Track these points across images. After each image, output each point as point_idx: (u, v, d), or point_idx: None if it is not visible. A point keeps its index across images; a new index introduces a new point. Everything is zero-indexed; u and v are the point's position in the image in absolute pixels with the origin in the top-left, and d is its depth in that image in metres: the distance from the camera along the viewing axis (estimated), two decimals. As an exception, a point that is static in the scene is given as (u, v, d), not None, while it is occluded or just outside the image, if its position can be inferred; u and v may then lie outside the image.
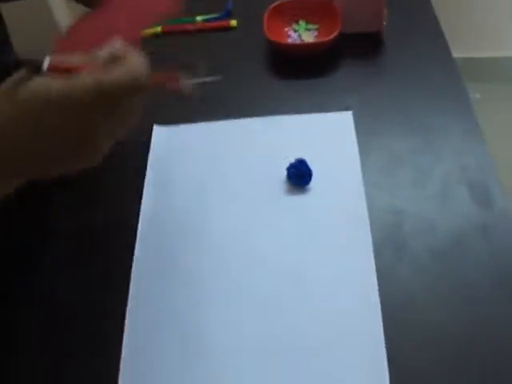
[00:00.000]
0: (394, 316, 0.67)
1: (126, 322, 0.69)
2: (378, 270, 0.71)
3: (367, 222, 0.75)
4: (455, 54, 0.94)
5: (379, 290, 0.69)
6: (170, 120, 0.91)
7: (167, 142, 0.88)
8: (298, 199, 0.79)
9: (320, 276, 0.71)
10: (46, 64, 0.45)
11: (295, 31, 1.00)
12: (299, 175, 0.79)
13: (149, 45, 1.04)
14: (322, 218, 0.76)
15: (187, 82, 0.57)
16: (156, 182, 0.82)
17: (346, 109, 0.88)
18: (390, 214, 0.76)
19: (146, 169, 0.84)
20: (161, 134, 0.89)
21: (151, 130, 0.90)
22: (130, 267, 0.73)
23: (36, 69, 0.44)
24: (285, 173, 0.80)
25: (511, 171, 1.10)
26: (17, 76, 0.45)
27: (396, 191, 0.78)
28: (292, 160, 0.79)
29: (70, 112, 0.45)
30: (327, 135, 0.85)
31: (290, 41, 0.99)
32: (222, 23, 1.07)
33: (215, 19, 1.08)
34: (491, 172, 0.78)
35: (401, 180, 0.79)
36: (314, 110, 0.89)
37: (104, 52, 0.50)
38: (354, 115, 0.87)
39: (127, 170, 0.85)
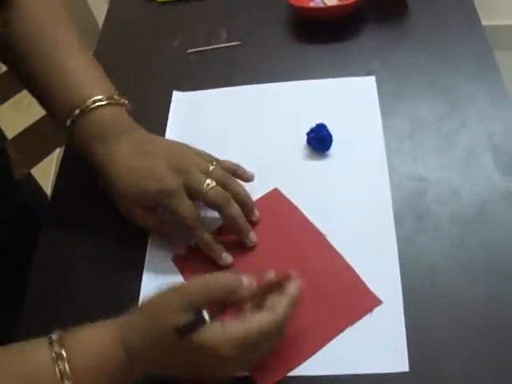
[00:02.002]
0: (413, 284, 0.66)
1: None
2: (398, 239, 0.69)
3: (388, 189, 0.73)
4: (484, 22, 0.91)
5: (400, 259, 0.68)
6: (189, 87, 0.89)
7: (187, 108, 0.87)
8: (319, 164, 0.77)
9: (339, 244, 0.70)
10: (207, 317, 0.53)
11: (318, -6, 0.98)
12: (319, 140, 0.77)
13: (168, 10, 1.03)
14: (342, 184, 0.75)
15: None
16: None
17: (369, 73, 0.85)
18: (412, 181, 0.74)
19: (164, 135, 0.83)
20: (180, 100, 0.88)
21: (171, 96, 0.89)
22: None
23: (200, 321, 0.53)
24: (305, 137, 0.78)
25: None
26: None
27: (419, 158, 0.76)
28: (313, 125, 0.77)
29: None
30: (349, 100, 0.83)
31: (312, 4, 0.96)
32: (244, -13, 1.05)
33: (236, -16, 1.06)
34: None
35: (424, 146, 0.77)
36: (337, 75, 0.86)
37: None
38: (377, 79, 0.84)
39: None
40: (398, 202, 0.72)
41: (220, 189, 0.66)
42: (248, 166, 0.75)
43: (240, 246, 0.70)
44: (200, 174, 0.66)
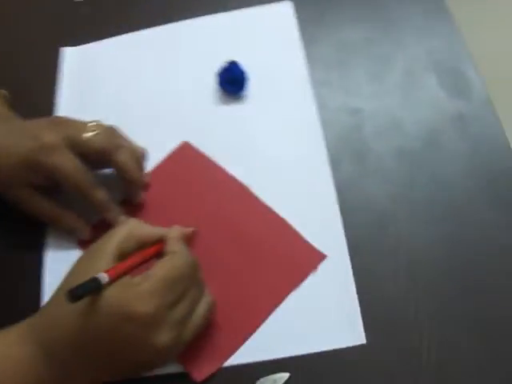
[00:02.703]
0: (360, 236, 0.55)
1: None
2: (337, 184, 0.58)
3: (319, 127, 0.62)
4: None
5: (341, 207, 0.57)
6: (80, 41, 0.74)
7: (79, 65, 0.72)
8: (234, 109, 0.65)
9: (268, 197, 0.58)
10: (104, 279, 0.44)
11: None
12: (232, 80, 0.64)
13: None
14: (263, 129, 0.63)
15: None
16: (70, 110, 0.67)
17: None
18: (346, 114, 0.62)
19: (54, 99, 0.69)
20: (71, 57, 0.73)
21: (57, 53, 0.73)
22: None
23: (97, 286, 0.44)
24: (216, 80, 0.65)
25: (488, 61, 0.96)
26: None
27: (351, 88, 0.64)
28: (222, 64, 0.64)
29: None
30: (264, 31, 0.70)
31: None
32: None
33: None
34: (462, 53, 0.65)
35: (356, 74, 0.65)
36: (245, 5, 0.73)
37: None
38: (295, 4, 0.71)
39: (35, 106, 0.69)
40: (332, 140, 0.61)
41: (106, 135, 0.57)
42: (154, 121, 0.63)
43: (150, 212, 0.59)
44: (81, 123, 0.57)
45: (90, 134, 0.56)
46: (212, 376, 0.49)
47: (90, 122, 0.57)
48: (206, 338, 0.51)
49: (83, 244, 0.58)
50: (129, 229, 0.49)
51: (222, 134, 0.63)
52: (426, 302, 0.51)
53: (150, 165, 0.61)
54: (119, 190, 0.59)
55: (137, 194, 0.59)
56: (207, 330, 0.51)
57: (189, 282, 0.47)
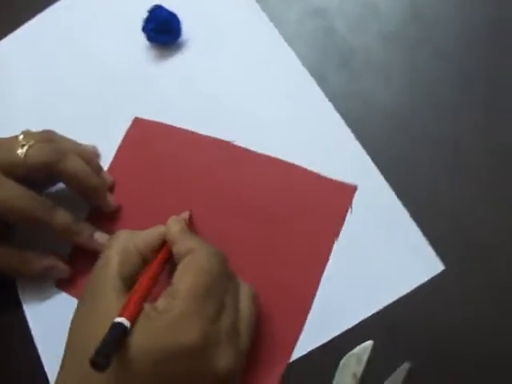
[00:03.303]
0: (380, 144, 0.45)
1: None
2: (332, 98, 0.47)
3: (285, 45, 0.50)
4: None
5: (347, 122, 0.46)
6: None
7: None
8: (170, 65, 0.52)
9: (261, 147, 0.47)
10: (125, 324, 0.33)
11: None
12: (163, 28, 0.52)
13: None
14: (223, 74, 0.51)
15: None
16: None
17: None
18: (312, 16, 0.51)
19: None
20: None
21: None
22: None
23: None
24: (144, 36, 0.53)
25: None
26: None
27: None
28: (145, 15, 0.52)
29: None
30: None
31: None
32: None
33: None
34: None
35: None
36: None
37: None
38: None
39: None
40: (307, 52, 0.50)
41: (44, 143, 0.44)
42: (90, 109, 0.52)
43: (132, 215, 0.47)
44: (7, 140, 0.45)
45: (24, 149, 0.43)
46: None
47: (18, 135, 0.44)
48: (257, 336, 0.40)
49: (64, 284, 0.46)
50: (122, 245, 0.38)
51: (174, 95, 0.51)
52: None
53: (107, 160, 0.49)
54: (80, 204, 0.47)
55: (104, 200, 0.47)
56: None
57: (222, 280, 0.36)
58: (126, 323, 0.32)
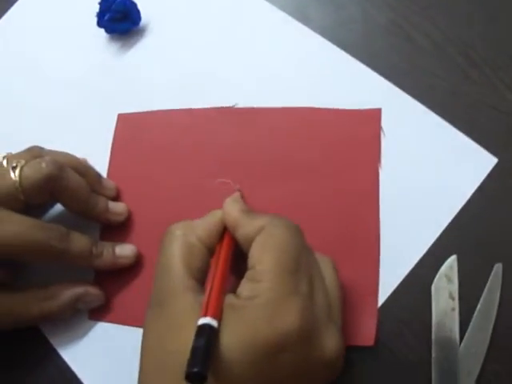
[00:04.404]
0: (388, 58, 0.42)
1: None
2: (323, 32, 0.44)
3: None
4: None
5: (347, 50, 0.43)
6: None
7: None
8: (138, 52, 0.48)
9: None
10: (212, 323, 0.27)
11: None
12: (118, 18, 0.48)
13: None
14: (194, 42, 0.47)
15: None
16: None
17: None
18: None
19: None
20: None
21: None
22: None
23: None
24: (101, 30, 0.49)
25: None
26: None
27: None
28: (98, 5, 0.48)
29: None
30: None
31: None
32: None
33: None
34: None
35: None
36: None
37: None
38: None
39: None
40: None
41: (38, 159, 0.38)
42: (64, 122, 0.46)
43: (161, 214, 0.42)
44: None
45: (17, 172, 0.37)
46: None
47: (1, 161, 0.39)
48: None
49: (98, 313, 0.41)
50: (182, 240, 0.33)
51: (154, 81, 0.47)
52: None
53: (103, 167, 0.44)
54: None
55: (112, 214, 0.42)
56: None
57: (305, 254, 0.32)
58: (214, 322, 0.28)
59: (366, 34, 0.44)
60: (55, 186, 0.38)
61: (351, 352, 0.35)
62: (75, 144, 0.44)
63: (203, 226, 0.34)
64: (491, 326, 0.35)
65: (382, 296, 0.37)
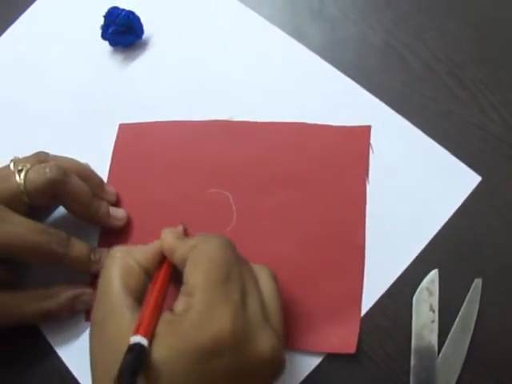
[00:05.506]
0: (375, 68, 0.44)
1: None
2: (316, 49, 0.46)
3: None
4: None
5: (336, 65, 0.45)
6: None
7: None
8: (140, 64, 0.50)
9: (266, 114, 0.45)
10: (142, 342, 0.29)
11: None
12: (121, 31, 0.49)
13: None
14: (194, 59, 0.49)
15: None
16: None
17: None
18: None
19: None
20: None
21: None
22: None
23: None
24: (105, 44, 0.51)
25: None
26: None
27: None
28: (104, 13, 0.50)
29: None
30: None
31: None
32: None
33: None
34: None
35: None
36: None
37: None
38: None
39: None
40: (275, 13, 0.48)
41: (43, 164, 0.40)
42: (66, 131, 0.48)
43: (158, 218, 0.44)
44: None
45: (22, 175, 0.39)
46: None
47: (9, 164, 0.40)
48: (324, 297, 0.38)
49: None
50: (121, 262, 0.35)
51: (155, 92, 0.48)
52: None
53: (103, 175, 0.46)
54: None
55: (110, 219, 0.44)
56: (321, 287, 0.38)
57: (237, 265, 0.33)
58: (143, 341, 0.29)
59: (359, 53, 0.46)
60: (58, 190, 0.40)
61: (333, 359, 0.37)
62: (78, 151, 0.45)
63: (141, 251, 0.36)
64: (469, 338, 0.36)
65: (365, 305, 0.38)
